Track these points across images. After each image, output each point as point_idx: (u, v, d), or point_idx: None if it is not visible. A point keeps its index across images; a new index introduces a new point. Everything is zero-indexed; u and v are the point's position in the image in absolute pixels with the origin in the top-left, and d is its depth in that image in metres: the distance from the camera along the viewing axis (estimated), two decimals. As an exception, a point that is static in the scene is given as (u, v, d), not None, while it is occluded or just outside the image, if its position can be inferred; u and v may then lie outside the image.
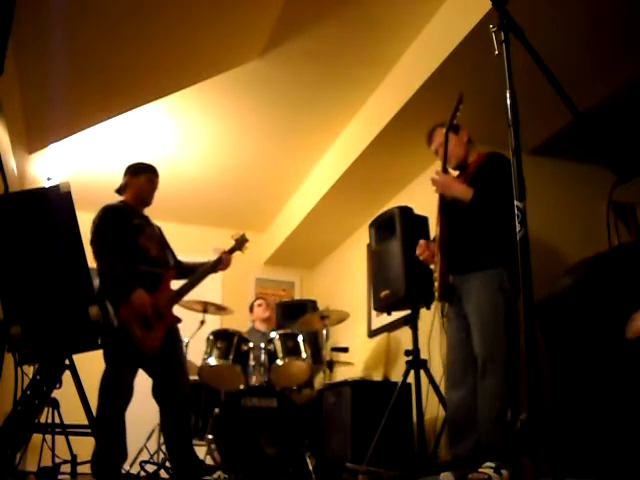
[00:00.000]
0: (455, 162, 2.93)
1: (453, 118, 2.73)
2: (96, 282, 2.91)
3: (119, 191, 3.31)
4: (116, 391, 2.93)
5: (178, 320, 3.19)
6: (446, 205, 2.81)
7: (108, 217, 3.11)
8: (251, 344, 4.17)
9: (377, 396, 3.71)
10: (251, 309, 5.36)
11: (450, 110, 2.72)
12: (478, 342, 2.63)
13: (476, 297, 2.69)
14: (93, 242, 3.01)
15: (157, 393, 3.11)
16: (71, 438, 3.61)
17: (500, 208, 2.59)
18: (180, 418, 3.09)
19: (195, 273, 3.34)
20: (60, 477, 3.44)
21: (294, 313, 5.17)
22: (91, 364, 2.92)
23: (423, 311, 3.51)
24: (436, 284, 2.82)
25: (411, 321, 3.47)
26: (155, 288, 3.08)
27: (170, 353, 3.09)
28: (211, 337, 4.08)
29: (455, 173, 2.98)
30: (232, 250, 3.48)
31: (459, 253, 2.78)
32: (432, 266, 2.95)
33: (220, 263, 3.38)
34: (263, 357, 4.20)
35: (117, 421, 2.91)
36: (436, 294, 2.83)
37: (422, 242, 3.03)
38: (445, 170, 2.85)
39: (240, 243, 3.51)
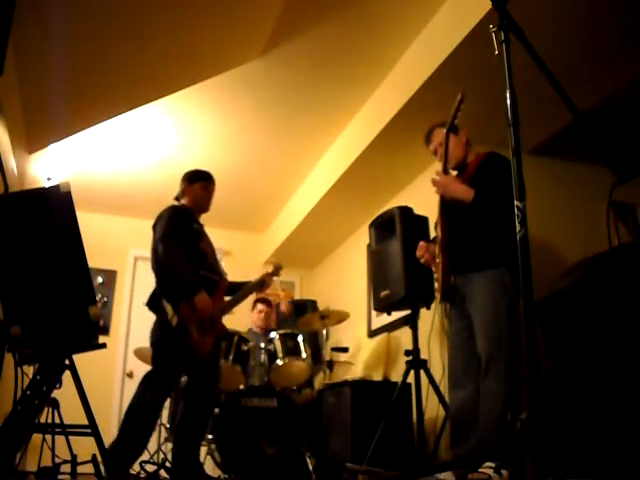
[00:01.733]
0: (454, 163, 2.92)
1: (454, 118, 2.72)
2: (96, 281, 2.90)
3: (177, 199, 3.39)
4: (161, 387, 2.97)
5: (225, 330, 3.24)
6: (446, 206, 2.81)
7: (177, 216, 3.16)
8: (251, 344, 4.18)
9: (377, 396, 3.71)
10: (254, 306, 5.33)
11: (450, 110, 2.72)
12: (481, 342, 2.63)
13: (480, 297, 2.68)
14: (164, 238, 3.02)
15: (189, 392, 3.15)
16: (71, 438, 3.61)
17: (500, 208, 2.59)
18: (200, 421, 3.14)
19: (241, 290, 3.46)
20: (60, 477, 3.44)
21: (294, 313, 5.17)
22: (91, 364, 2.92)
23: (423, 311, 3.51)
24: (437, 285, 2.82)
25: (411, 321, 3.46)
26: (211, 295, 3.07)
27: (212, 360, 3.14)
28: (211, 337, 4.08)
29: (454, 174, 2.98)
30: (272, 274, 3.67)
31: (461, 253, 2.77)
32: (433, 267, 2.95)
33: (263, 284, 3.57)
34: (263, 357, 4.20)
35: (153, 416, 2.93)
36: (438, 295, 2.82)
37: (422, 244, 3.02)
38: (445, 171, 2.85)
39: (277, 269, 3.73)
